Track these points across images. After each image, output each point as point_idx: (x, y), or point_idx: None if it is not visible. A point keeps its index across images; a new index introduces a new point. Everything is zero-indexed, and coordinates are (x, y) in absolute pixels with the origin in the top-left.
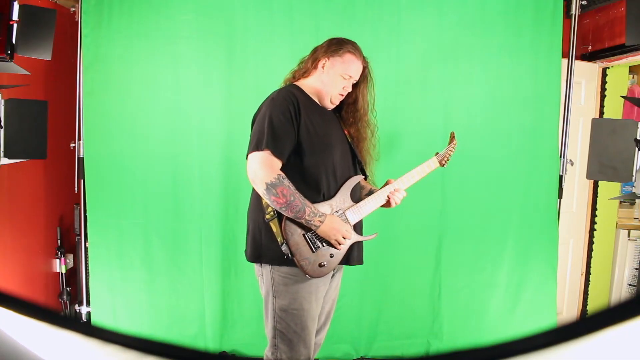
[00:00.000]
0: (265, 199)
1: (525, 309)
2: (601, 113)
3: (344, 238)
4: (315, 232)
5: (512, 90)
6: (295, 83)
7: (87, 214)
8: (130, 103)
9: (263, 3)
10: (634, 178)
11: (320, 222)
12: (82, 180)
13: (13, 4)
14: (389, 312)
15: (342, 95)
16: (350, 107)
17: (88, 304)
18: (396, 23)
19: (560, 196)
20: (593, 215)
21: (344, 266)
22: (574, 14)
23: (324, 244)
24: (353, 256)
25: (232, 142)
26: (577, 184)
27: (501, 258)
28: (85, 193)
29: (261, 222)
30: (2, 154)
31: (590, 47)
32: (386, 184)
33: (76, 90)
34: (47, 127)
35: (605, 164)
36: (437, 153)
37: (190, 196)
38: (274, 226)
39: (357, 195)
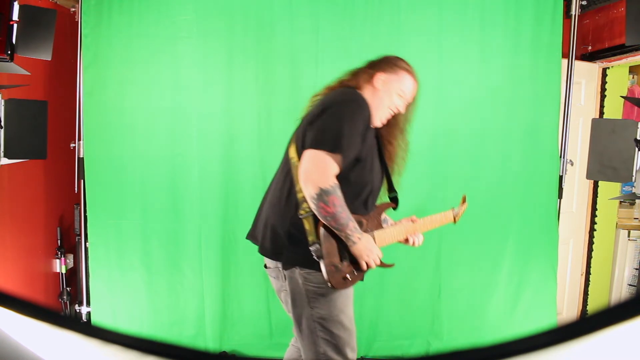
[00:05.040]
0: (312, 203)
1: (525, 309)
2: (601, 113)
3: (374, 262)
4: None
5: (512, 90)
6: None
7: (87, 214)
8: (130, 103)
9: (263, 3)
10: (634, 178)
11: (359, 239)
12: (82, 181)
13: (13, 4)
14: (389, 312)
15: (391, 115)
16: (392, 126)
17: (88, 304)
18: (396, 23)
19: (560, 196)
20: (593, 215)
21: None
22: (574, 14)
23: (352, 258)
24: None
25: (232, 142)
26: (577, 184)
27: (501, 258)
28: (85, 193)
29: (290, 218)
30: (2, 154)
31: (590, 47)
32: (409, 219)
33: (76, 90)
34: (47, 127)
35: (605, 164)
36: (453, 209)
37: (190, 196)
38: (307, 223)
39: (379, 220)
